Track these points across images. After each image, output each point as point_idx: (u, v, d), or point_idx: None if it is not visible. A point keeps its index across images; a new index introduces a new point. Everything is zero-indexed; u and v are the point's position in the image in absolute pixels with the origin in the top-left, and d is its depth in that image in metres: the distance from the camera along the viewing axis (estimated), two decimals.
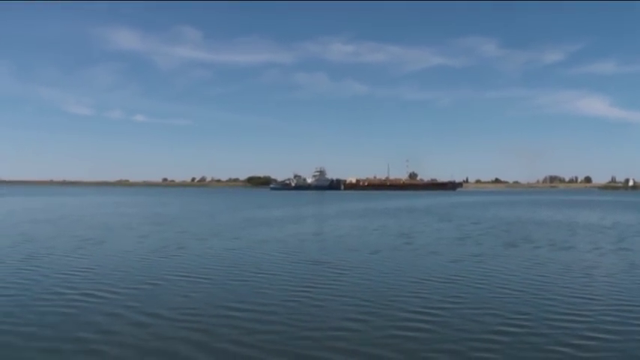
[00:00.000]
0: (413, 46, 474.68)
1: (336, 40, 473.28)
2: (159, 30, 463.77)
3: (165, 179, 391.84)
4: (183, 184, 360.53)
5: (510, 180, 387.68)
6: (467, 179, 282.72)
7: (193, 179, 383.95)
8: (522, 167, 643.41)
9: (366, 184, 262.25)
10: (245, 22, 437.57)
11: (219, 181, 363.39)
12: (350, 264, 22.16)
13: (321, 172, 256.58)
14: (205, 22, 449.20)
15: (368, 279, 18.79)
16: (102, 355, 10.41)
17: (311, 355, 10.50)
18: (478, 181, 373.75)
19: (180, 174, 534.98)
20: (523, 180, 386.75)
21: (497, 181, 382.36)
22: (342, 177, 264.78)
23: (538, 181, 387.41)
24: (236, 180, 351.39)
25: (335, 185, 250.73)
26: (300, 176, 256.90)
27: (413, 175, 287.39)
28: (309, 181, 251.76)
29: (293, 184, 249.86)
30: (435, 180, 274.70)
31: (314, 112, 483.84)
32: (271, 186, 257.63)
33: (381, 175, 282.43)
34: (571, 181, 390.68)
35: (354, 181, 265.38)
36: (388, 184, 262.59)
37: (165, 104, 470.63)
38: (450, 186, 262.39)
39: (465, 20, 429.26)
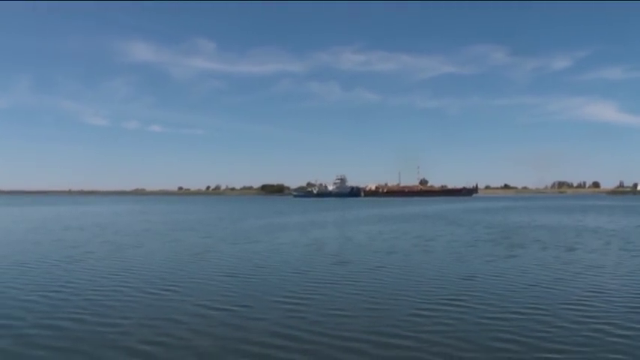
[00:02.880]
0: (423, 55, 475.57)
1: (348, 49, 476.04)
2: (174, 42, 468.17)
3: (180, 188, 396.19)
4: (198, 193, 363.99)
5: (519, 186, 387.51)
6: (477, 185, 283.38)
7: (208, 187, 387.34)
8: (531, 173, 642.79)
9: (385, 190, 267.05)
10: (258, 33, 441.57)
11: (233, 189, 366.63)
12: (372, 263, 24.03)
13: (342, 180, 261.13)
14: (219, 34, 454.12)
15: (389, 276, 20.68)
16: (178, 339, 12.32)
17: (343, 335, 12.42)
18: (487, 187, 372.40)
19: (196, 182, 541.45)
20: (532, 185, 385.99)
21: (506, 187, 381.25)
22: (354, 184, 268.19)
23: (546, 187, 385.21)
24: (250, 188, 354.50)
25: (355, 192, 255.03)
26: (322, 184, 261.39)
27: (424, 182, 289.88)
28: (331, 188, 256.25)
29: (315, 192, 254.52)
30: (446, 186, 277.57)
31: (326, 121, 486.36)
32: (294, 193, 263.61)
33: (392, 181, 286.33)
34: (579, 186, 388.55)
35: (373, 188, 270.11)
36: (406, 190, 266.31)
37: (181, 114, 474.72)
38: (466, 192, 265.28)
39: (474, 28, 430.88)
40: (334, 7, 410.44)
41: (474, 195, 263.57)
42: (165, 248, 30.80)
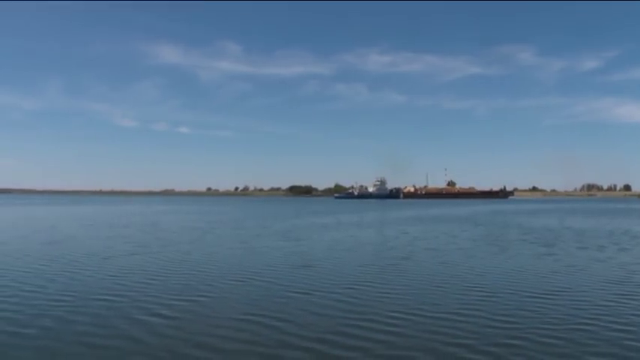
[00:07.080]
0: (449, 56, 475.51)
1: (373, 51, 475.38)
2: (201, 45, 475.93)
3: (209, 189, 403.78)
4: (227, 194, 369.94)
5: (547, 188, 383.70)
6: (505, 187, 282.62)
7: (237, 188, 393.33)
8: (559, 175, 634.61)
9: (423, 192, 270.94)
10: (283, 35, 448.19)
11: (261, 190, 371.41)
12: (421, 258, 25.80)
13: (382, 182, 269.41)
14: (245, 37, 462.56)
15: (436, 270, 22.40)
16: (257, 318, 14.22)
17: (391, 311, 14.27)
18: (515, 190, 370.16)
19: (224, 183, 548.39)
20: (560, 188, 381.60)
21: (534, 189, 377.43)
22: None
23: (576, 190, 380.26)
24: (278, 189, 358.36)
25: (394, 194, 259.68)
26: (362, 185, 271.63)
27: (451, 184, 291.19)
28: (371, 190, 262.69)
29: (356, 193, 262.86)
30: (474, 188, 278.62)
31: (353, 122, 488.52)
32: (335, 195, 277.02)
33: (419, 183, 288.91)
34: (609, 189, 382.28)
35: (412, 189, 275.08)
36: (444, 192, 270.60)
37: (208, 116, 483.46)
38: (502, 194, 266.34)
39: (501, 28, 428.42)
40: (359, 9, 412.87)
41: (510, 197, 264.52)
42: (221, 244, 32.93)
